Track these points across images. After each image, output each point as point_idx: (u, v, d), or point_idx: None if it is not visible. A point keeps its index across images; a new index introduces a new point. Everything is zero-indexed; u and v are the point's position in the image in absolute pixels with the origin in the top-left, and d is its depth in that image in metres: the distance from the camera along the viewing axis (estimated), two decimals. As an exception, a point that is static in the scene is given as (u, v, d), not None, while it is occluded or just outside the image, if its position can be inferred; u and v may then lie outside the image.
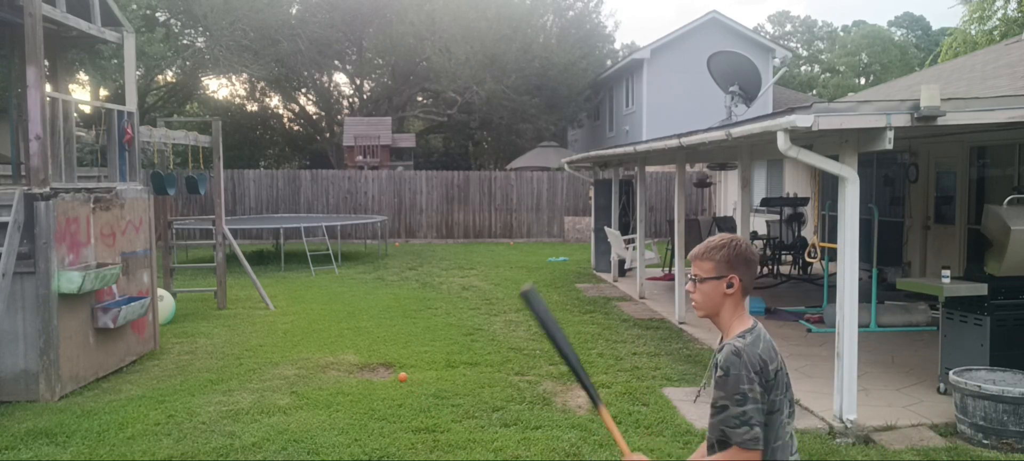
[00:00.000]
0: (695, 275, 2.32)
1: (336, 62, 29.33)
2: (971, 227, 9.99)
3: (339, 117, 30.26)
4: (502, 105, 25.98)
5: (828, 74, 51.62)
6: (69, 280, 6.27)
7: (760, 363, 2.15)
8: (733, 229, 12.95)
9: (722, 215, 18.06)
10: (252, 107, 32.31)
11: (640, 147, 9.42)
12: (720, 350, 2.22)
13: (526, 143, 28.98)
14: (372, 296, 11.55)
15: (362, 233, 21.12)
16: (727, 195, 19.85)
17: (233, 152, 29.23)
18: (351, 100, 31.50)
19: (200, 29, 26.32)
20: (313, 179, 21.74)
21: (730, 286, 2.26)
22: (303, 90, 30.77)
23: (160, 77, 27.84)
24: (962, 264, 10.02)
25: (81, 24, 7.35)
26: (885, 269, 10.40)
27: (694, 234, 13.71)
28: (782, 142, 4.83)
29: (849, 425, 5.18)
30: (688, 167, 16.93)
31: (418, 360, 7.41)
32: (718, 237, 2.32)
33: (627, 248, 12.80)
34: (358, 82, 30.68)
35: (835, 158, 5.14)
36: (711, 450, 2.22)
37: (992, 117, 5.03)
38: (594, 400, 2.49)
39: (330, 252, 15.88)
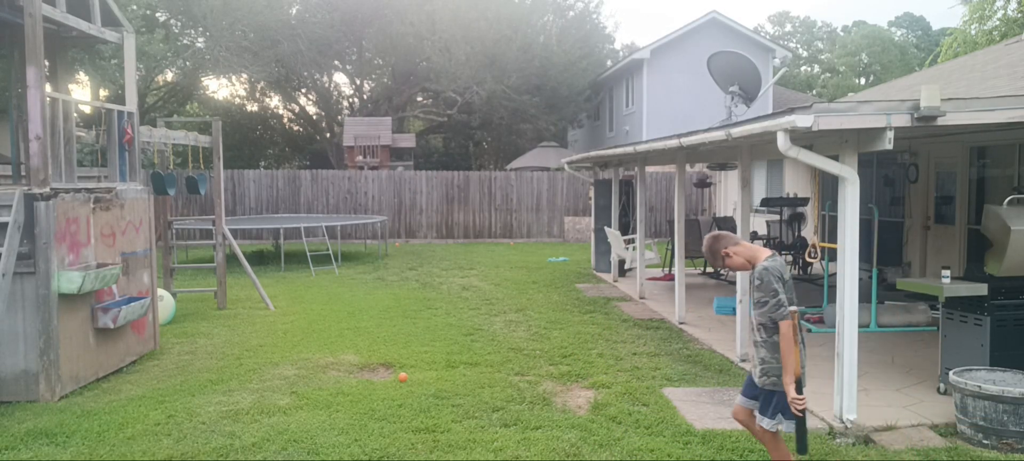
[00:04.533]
0: None
1: (336, 62, 29.33)
2: (971, 227, 9.99)
3: (339, 117, 30.27)
4: (502, 105, 25.99)
5: (828, 74, 51.62)
6: (69, 280, 6.27)
7: None
8: (733, 229, 12.95)
9: (722, 215, 18.07)
10: (252, 107, 32.33)
11: (640, 147, 9.42)
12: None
13: (526, 143, 29.01)
14: (372, 296, 11.55)
15: (362, 233, 21.12)
16: (727, 195, 19.85)
17: (233, 152, 29.26)
18: (351, 100, 31.51)
19: (200, 29, 26.33)
20: (313, 179, 21.75)
21: None
22: (303, 90, 30.77)
23: (160, 77, 27.86)
24: (962, 264, 10.03)
25: (81, 24, 7.35)
26: (885, 269, 10.40)
27: (694, 234, 13.71)
28: (782, 142, 4.83)
29: (849, 425, 5.18)
30: (688, 167, 16.94)
31: (418, 360, 7.41)
32: None
33: (627, 248, 12.80)
34: (358, 82, 30.69)
35: (835, 158, 5.14)
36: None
37: (992, 117, 5.02)
38: None
39: (330, 252, 15.88)
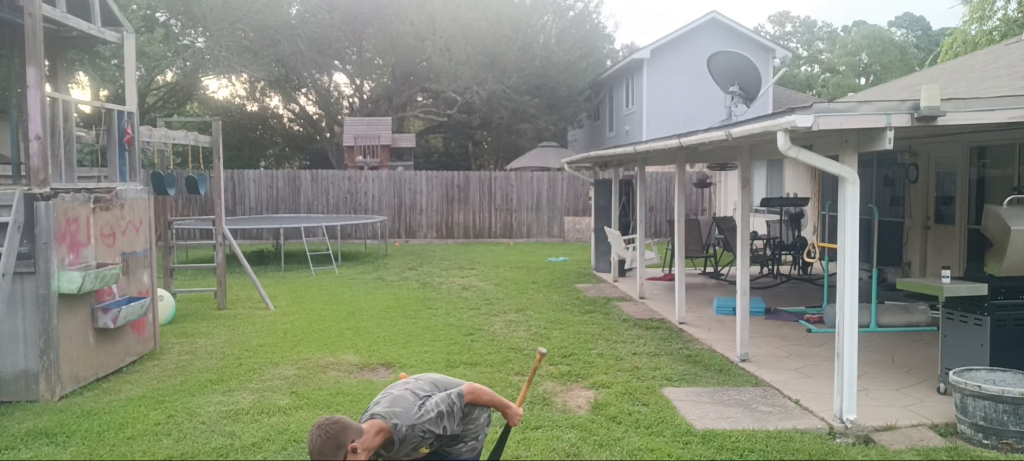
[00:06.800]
0: None
1: (336, 62, 29.33)
2: (971, 227, 9.99)
3: (339, 117, 30.27)
4: (502, 105, 25.99)
5: (828, 74, 51.61)
6: (69, 280, 6.27)
7: None
8: (733, 229, 12.95)
9: (722, 215, 18.06)
10: (252, 107, 32.33)
11: (640, 147, 9.42)
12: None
13: (526, 143, 29.00)
14: (372, 296, 11.55)
15: (362, 233, 21.13)
16: (727, 195, 19.85)
17: (233, 152, 29.25)
18: (351, 100, 31.51)
19: (200, 29, 26.32)
20: (313, 179, 21.75)
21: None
22: (303, 90, 30.77)
23: (160, 77, 27.83)
24: (962, 264, 10.03)
25: (81, 24, 7.35)
26: (885, 269, 10.40)
27: (694, 234, 13.73)
28: (782, 142, 4.83)
29: (849, 425, 5.18)
30: (688, 167, 16.94)
31: (418, 360, 7.41)
32: None
33: (627, 248, 12.80)
34: (358, 82, 30.69)
35: (835, 158, 5.14)
36: None
37: (992, 117, 5.02)
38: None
39: (330, 252, 15.88)
